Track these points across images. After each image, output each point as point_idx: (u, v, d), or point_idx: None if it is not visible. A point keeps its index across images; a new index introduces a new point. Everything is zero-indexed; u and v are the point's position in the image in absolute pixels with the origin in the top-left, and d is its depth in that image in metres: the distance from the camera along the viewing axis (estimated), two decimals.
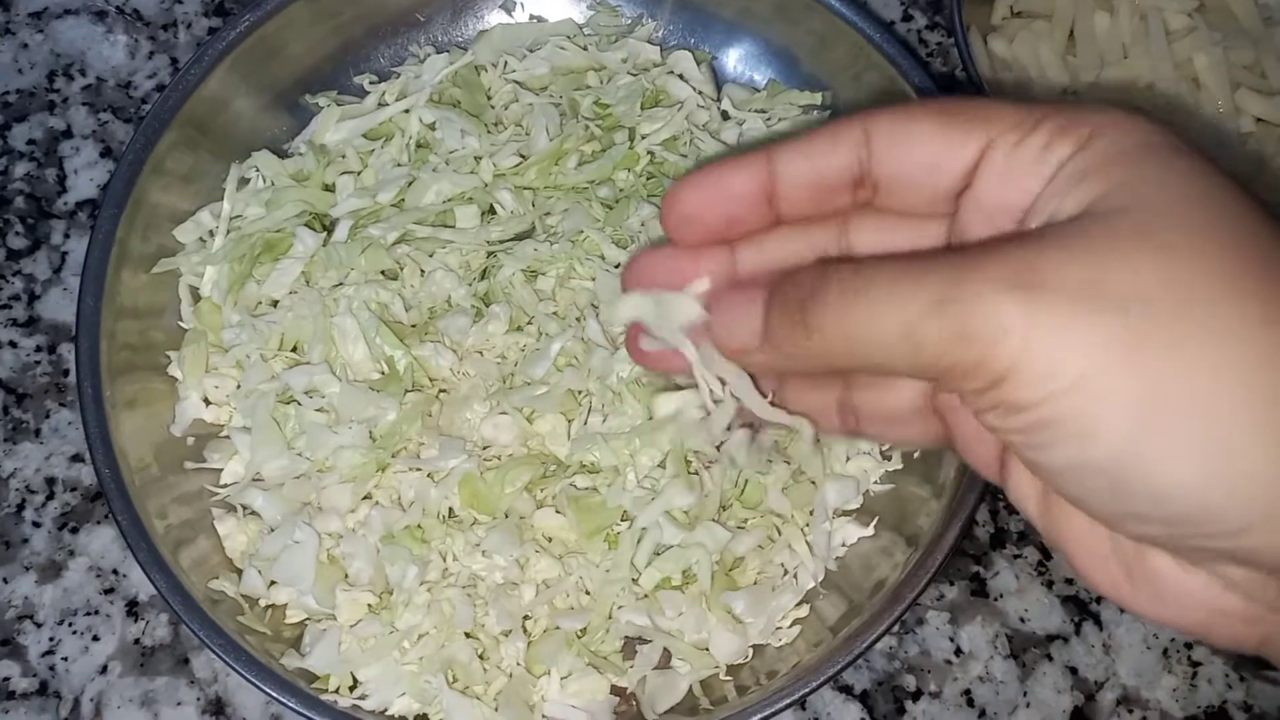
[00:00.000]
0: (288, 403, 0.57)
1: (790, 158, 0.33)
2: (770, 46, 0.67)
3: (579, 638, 0.53)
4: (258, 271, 0.60)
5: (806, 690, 0.50)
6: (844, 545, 0.58)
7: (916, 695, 0.57)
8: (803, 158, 0.33)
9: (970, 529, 0.60)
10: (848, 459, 0.59)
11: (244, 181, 0.62)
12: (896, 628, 0.58)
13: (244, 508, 0.56)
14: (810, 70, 0.66)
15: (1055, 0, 0.68)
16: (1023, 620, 0.59)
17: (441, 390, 0.59)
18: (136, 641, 0.56)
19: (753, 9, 0.66)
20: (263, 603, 0.54)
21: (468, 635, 0.52)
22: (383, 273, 0.60)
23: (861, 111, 0.32)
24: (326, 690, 0.51)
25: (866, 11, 0.63)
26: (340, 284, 0.59)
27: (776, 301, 0.32)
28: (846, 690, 0.57)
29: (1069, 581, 0.60)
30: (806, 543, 0.56)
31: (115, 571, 0.57)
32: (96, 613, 0.56)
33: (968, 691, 0.57)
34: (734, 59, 0.68)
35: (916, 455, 0.59)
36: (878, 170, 0.32)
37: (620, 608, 0.54)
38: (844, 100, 0.65)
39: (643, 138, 0.63)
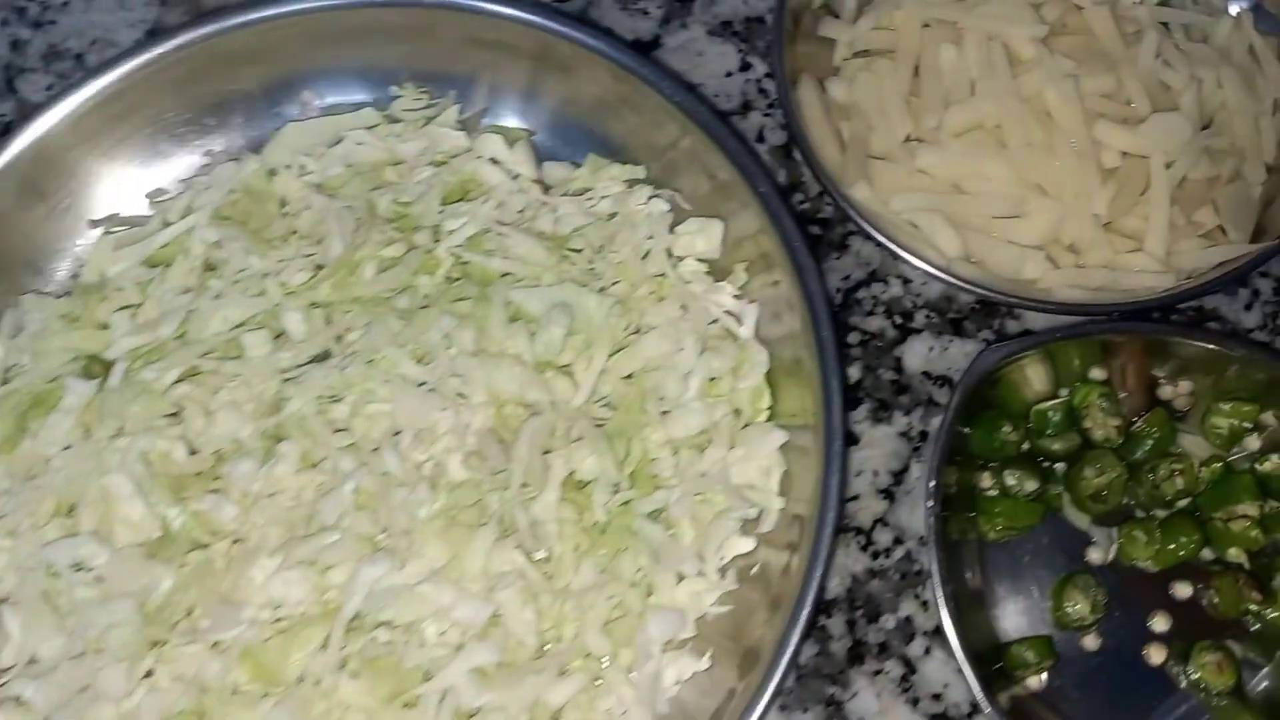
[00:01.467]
0: (57, 575, 0.52)
1: None
2: (588, 119, 0.62)
3: None
4: (33, 426, 0.56)
5: None
6: (676, 683, 0.52)
7: None
8: None
9: (824, 645, 0.55)
10: (679, 580, 0.53)
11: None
12: None
13: (16, 699, 0.51)
14: (628, 142, 0.61)
15: (899, 34, 0.61)
16: None
17: (235, 540, 0.54)
18: None
19: (566, 81, 0.61)
20: None
21: None
22: (174, 413, 0.55)
23: None
24: None
25: (677, 80, 0.57)
26: (123, 430, 0.55)
27: None
28: None
29: (936, 697, 0.54)
30: (632, 686, 0.51)
31: None
32: None
33: None
34: (554, 133, 0.63)
35: (754, 571, 0.53)
36: None
37: None
38: (660, 171, 0.60)
39: (449, 233, 0.58)
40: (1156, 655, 0.54)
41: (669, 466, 0.55)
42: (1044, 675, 0.54)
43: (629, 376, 0.57)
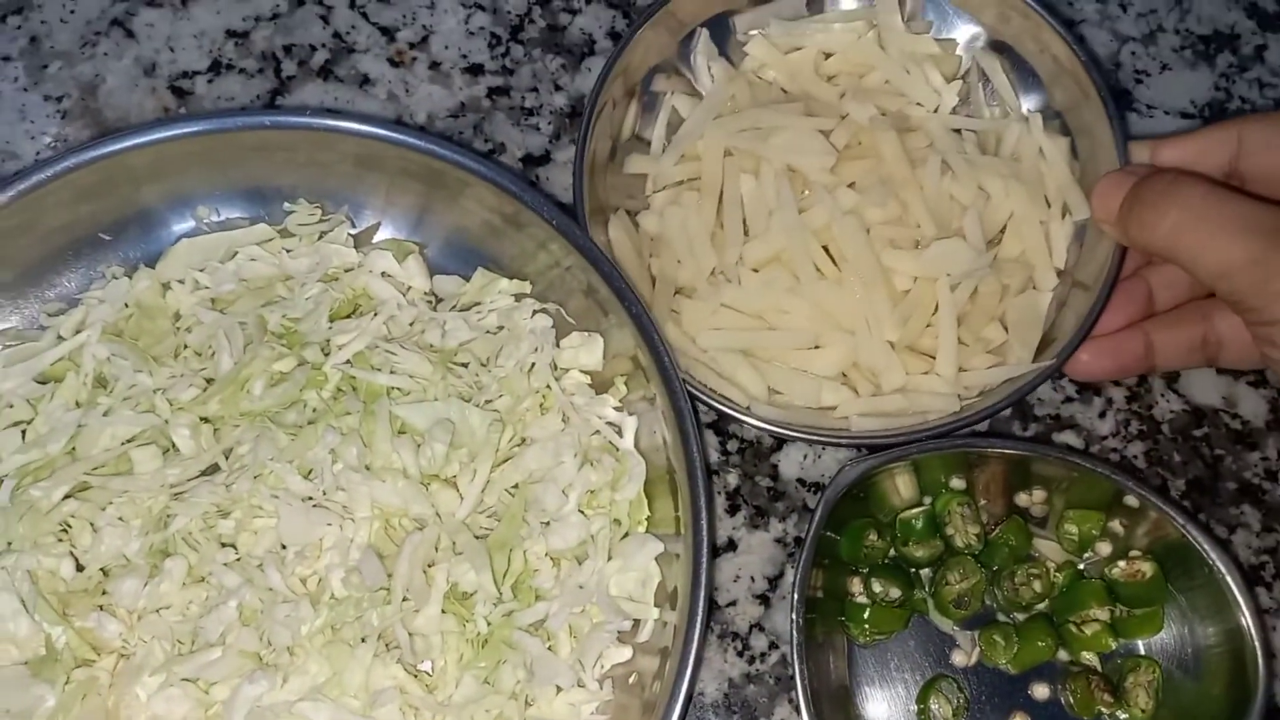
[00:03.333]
0: None
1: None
2: (477, 236, 0.64)
3: None
4: None
5: None
6: None
7: None
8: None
9: None
10: (558, 691, 0.55)
11: None
12: None
13: None
14: (515, 259, 0.63)
15: (703, 164, 0.64)
16: None
17: (123, 655, 0.55)
18: None
19: (455, 201, 0.62)
20: None
21: None
22: (66, 526, 0.56)
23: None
24: None
25: (555, 204, 0.59)
26: (10, 547, 0.55)
27: (1131, 197, 0.55)
28: None
29: None
30: None
31: None
32: None
33: None
34: (445, 248, 0.65)
35: (631, 679, 0.55)
36: None
37: None
38: (545, 286, 0.62)
39: (338, 349, 0.60)
40: None
41: (549, 578, 0.57)
42: None
43: (514, 487, 0.59)
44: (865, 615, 0.58)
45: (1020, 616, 0.59)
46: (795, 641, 0.53)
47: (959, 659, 0.59)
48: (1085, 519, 0.59)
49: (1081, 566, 0.60)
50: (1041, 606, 0.59)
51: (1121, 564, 0.58)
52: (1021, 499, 0.60)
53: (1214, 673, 0.56)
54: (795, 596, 0.54)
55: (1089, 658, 0.58)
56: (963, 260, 0.60)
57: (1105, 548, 0.59)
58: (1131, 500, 0.57)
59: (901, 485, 0.59)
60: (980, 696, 0.58)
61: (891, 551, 0.60)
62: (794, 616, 0.54)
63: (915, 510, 0.59)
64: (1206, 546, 0.55)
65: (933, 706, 0.57)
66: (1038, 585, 0.58)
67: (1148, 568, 0.57)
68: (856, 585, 0.59)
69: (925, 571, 0.60)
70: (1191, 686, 0.57)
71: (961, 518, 0.59)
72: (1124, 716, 0.57)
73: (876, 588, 0.58)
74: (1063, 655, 0.58)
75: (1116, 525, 0.58)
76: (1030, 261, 0.63)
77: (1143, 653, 0.58)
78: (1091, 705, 0.57)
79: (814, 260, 0.60)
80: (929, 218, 0.61)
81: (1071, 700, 0.57)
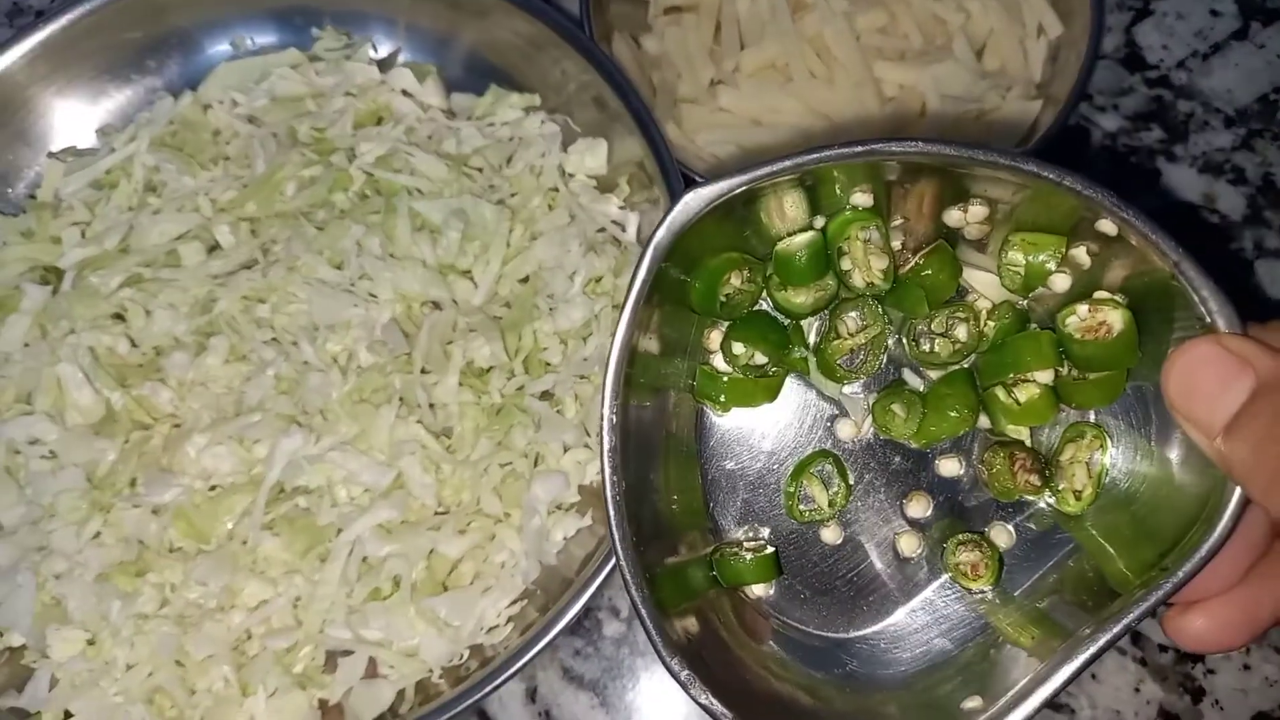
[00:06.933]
0: (18, 453, 0.59)
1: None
2: (494, 56, 0.69)
3: (284, 656, 0.55)
4: None
5: (489, 689, 0.52)
6: (564, 539, 0.59)
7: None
8: None
9: None
10: (565, 450, 0.60)
11: None
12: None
13: None
14: (529, 77, 0.68)
15: None
16: None
17: (175, 424, 0.61)
18: None
19: (476, 24, 0.68)
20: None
21: (179, 664, 0.55)
22: (119, 314, 0.62)
23: None
24: None
25: (573, 22, 0.64)
26: (72, 330, 0.62)
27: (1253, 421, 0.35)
28: (577, 680, 0.59)
29: None
30: (522, 540, 0.58)
31: None
32: None
33: None
34: (463, 69, 0.70)
35: None
36: None
37: (327, 623, 0.56)
38: (557, 102, 0.67)
39: (361, 154, 0.65)
40: (909, 547, 0.45)
41: (557, 354, 0.62)
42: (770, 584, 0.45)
43: (525, 279, 0.64)
44: (723, 384, 0.45)
45: (934, 375, 0.45)
46: (607, 446, 0.41)
47: (846, 431, 0.46)
48: (1038, 245, 0.42)
49: (1024, 306, 0.44)
50: (963, 364, 0.45)
51: (1082, 310, 0.41)
52: (953, 217, 0.43)
53: (1186, 459, 0.40)
54: (610, 375, 0.41)
55: (1016, 430, 0.44)
56: (950, 70, 0.64)
57: (1062, 283, 0.43)
58: (1106, 226, 0.39)
59: (788, 204, 0.43)
60: (869, 477, 0.46)
61: (764, 300, 0.46)
62: (606, 412, 0.41)
63: (800, 238, 0.43)
64: (1206, 292, 0.37)
65: (804, 489, 0.45)
66: (961, 333, 0.44)
67: (1117, 319, 0.41)
68: (713, 341, 0.46)
69: (810, 321, 0.46)
70: (1155, 474, 0.41)
71: (864, 246, 0.43)
72: (1051, 501, 0.44)
73: (737, 349, 0.44)
74: (984, 424, 0.45)
75: (1081, 254, 0.42)
76: (1009, 73, 0.67)
77: (1092, 421, 0.44)
78: (1012, 489, 0.44)
79: (806, 63, 0.65)
80: (915, 28, 0.65)
81: (986, 479, 0.45)
